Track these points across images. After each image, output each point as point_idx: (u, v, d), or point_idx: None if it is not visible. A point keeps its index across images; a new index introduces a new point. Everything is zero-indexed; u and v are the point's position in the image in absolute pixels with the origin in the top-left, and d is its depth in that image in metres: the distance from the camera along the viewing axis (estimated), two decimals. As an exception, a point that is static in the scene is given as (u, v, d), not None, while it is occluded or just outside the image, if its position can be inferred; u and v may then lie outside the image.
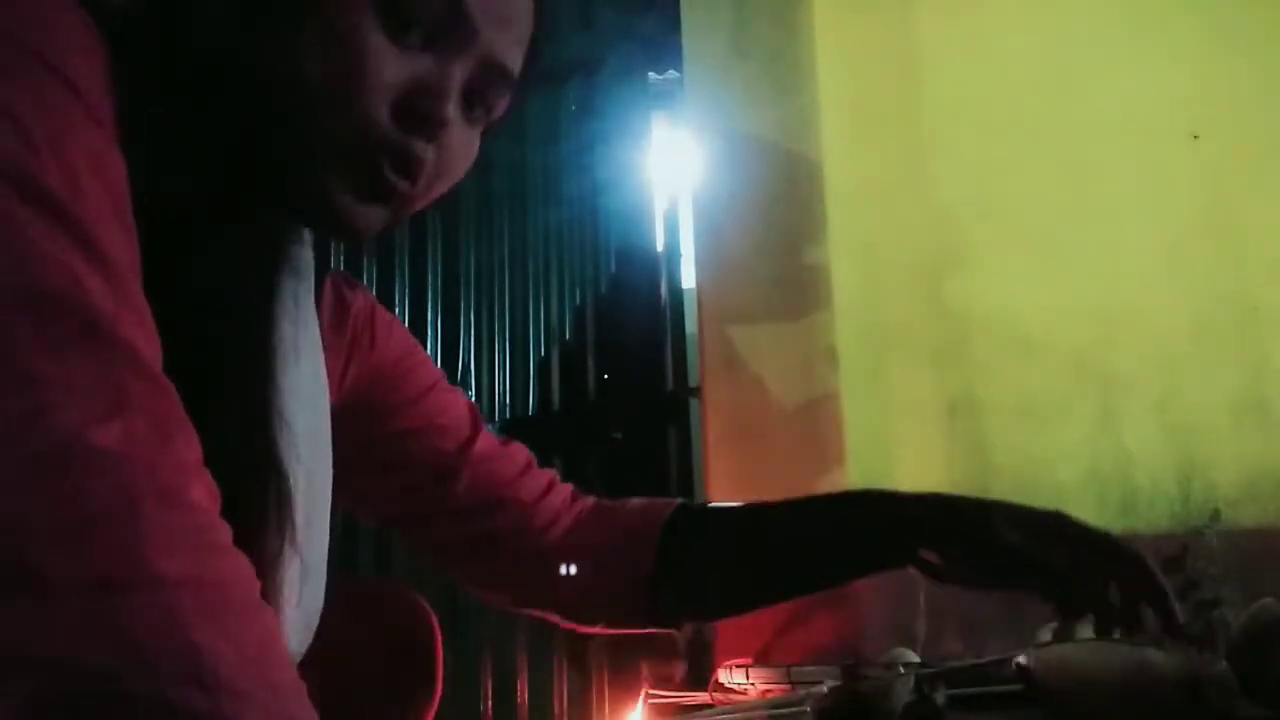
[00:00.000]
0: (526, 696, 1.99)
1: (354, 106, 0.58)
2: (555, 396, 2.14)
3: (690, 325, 2.05)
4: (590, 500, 0.92)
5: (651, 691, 1.37)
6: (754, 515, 0.90)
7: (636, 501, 0.92)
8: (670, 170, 2.19)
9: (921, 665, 1.12)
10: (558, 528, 0.89)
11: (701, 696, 1.27)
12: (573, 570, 0.87)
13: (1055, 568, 0.80)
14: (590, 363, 2.13)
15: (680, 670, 1.81)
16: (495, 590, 0.92)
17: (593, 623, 0.92)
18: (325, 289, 0.80)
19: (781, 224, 1.80)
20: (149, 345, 0.48)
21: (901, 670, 1.04)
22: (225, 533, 0.47)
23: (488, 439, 0.90)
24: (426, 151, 0.61)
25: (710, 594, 0.90)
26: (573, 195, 2.19)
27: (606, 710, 1.90)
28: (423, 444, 0.87)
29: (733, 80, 1.86)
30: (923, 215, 1.85)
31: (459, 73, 0.62)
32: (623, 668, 1.93)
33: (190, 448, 0.48)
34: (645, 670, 1.83)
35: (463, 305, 2.26)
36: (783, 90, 1.84)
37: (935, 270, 1.83)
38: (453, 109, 0.62)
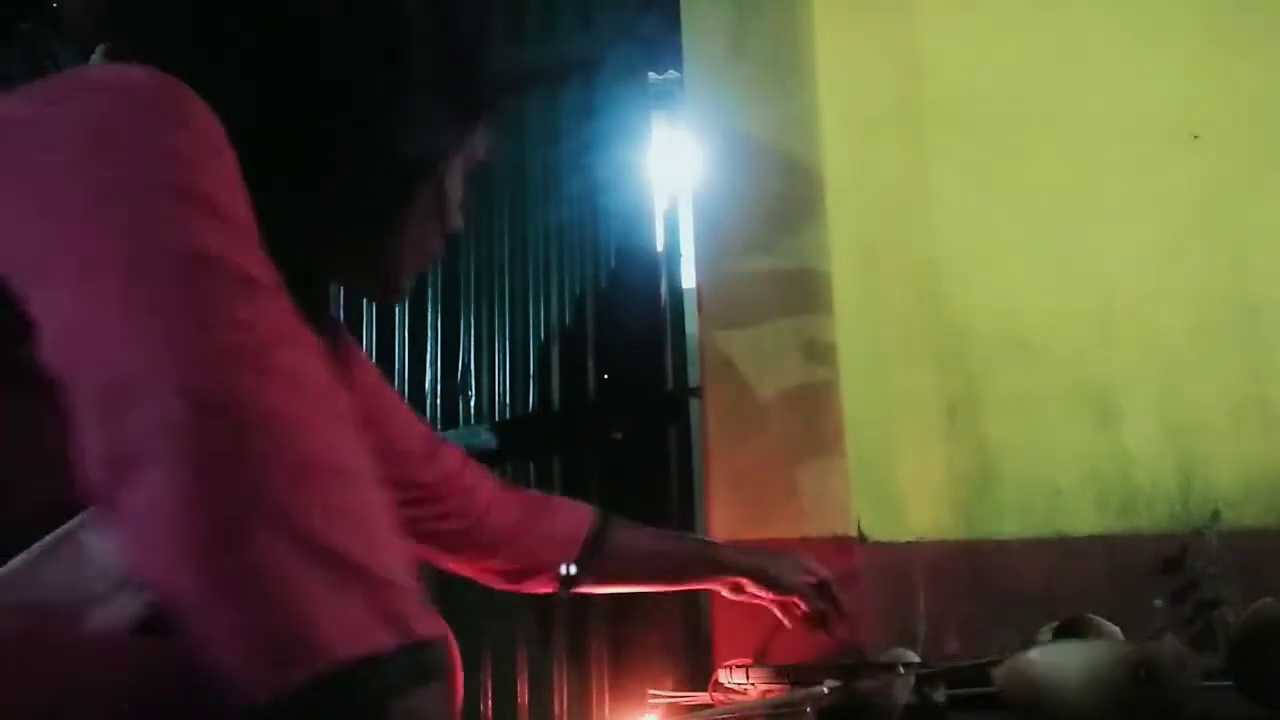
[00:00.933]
0: (526, 696, 1.99)
1: (439, 242, 0.83)
2: (555, 396, 2.14)
3: (690, 325, 2.05)
4: (507, 488, 1.18)
5: (651, 691, 1.37)
6: (648, 549, 1.27)
7: (557, 501, 1.24)
8: (670, 170, 2.19)
9: (921, 665, 1.12)
10: (491, 517, 1.13)
11: (701, 696, 1.27)
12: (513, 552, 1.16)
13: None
14: (590, 363, 2.13)
15: (680, 670, 1.81)
16: (441, 559, 1.15)
17: (519, 589, 1.22)
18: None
19: (781, 224, 1.79)
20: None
21: (901, 670, 1.04)
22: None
23: (444, 452, 1.10)
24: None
25: (601, 584, 1.25)
26: (573, 195, 2.18)
27: (606, 710, 1.90)
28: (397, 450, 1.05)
29: (733, 80, 1.85)
30: (922, 214, 1.85)
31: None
32: (623, 668, 1.93)
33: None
34: (645, 670, 1.83)
35: (463, 305, 2.26)
36: (782, 90, 1.84)
37: (935, 270, 1.83)
38: None
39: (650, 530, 1.28)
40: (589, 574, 1.20)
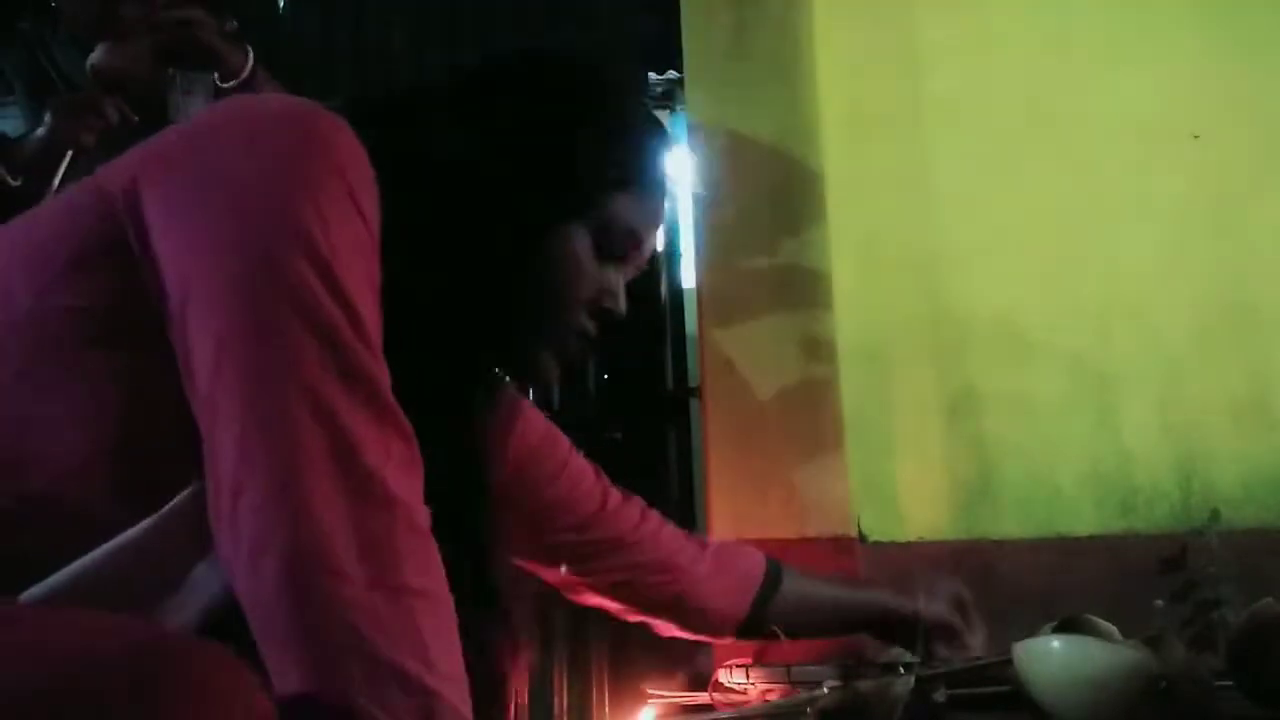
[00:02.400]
0: (527, 697, 1.99)
1: (571, 309, 0.84)
2: (555, 396, 2.14)
3: (690, 325, 2.05)
4: (680, 534, 1.18)
5: (651, 691, 1.37)
6: (821, 597, 1.23)
7: (725, 546, 1.22)
8: (670, 170, 2.18)
9: (921, 665, 1.12)
10: (677, 570, 1.14)
11: (701, 696, 1.27)
12: (697, 604, 1.15)
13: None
14: (590, 363, 2.13)
15: (680, 670, 1.81)
16: (624, 611, 1.17)
17: (698, 634, 1.20)
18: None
19: (781, 223, 1.79)
20: (398, 402, 0.66)
21: (901, 670, 1.04)
22: (438, 554, 0.65)
23: (613, 497, 1.12)
24: (593, 330, 0.86)
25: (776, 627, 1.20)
26: (573, 195, 2.18)
27: (606, 710, 1.90)
28: (561, 514, 1.08)
29: (733, 80, 1.85)
30: (923, 215, 1.85)
31: (631, 273, 0.89)
32: (623, 668, 1.93)
33: (419, 485, 0.65)
34: (645, 670, 1.82)
35: (463, 305, 2.25)
36: (783, 90, 1.84)
37: (935, 269, 1.83)
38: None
39: (823, 579, 1.24)
40: (759, 623, 1.17)
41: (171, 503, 0.64)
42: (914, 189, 1.86)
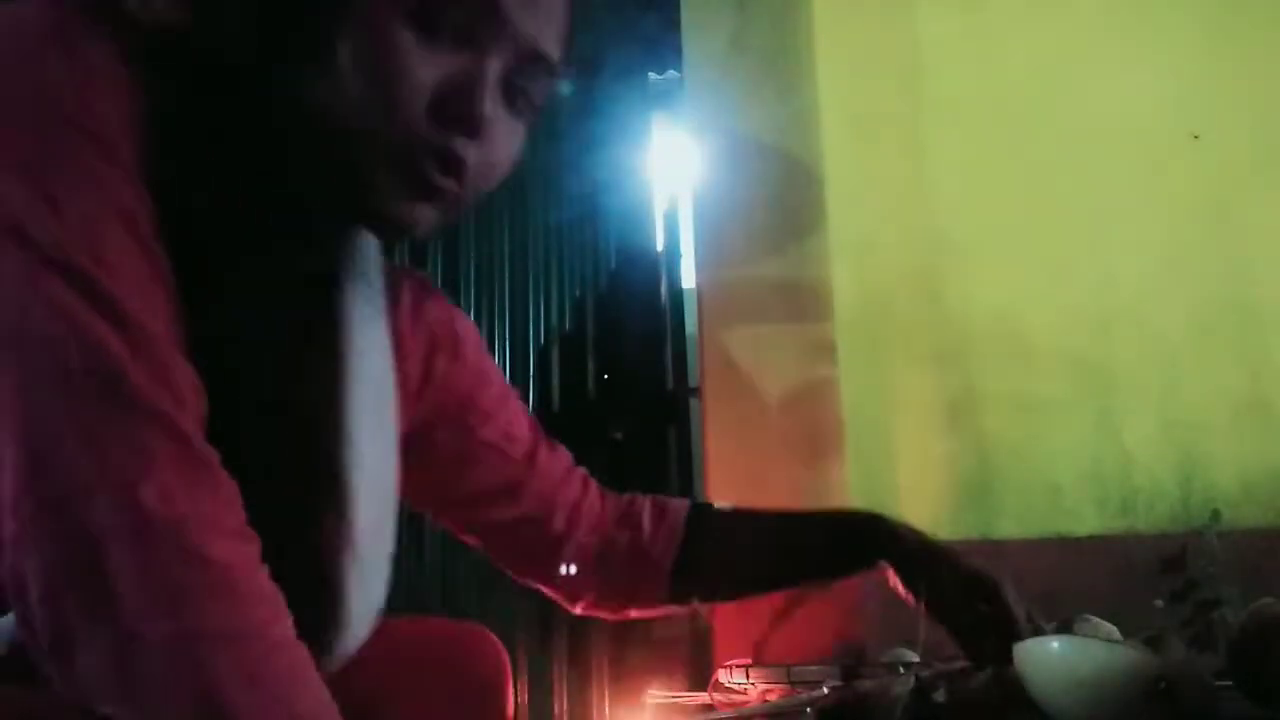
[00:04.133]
0: (526, 696, 1.99)
1: (393, 113, 0.60)
2: (555, 396, 2.14)
3: (690, 325, 2.05)
4: (611, 498, 0.99)
5: (651, 691, 1.37)
6: (760, 526, 1.03)
7: (651, 502, 1.01)
8: (670, 170, 2.19)
9: (921, 665, 1.12)
10: (594, 533, 0.96)
11: (701, 696, 1.27)
12: (611, 571, 0.97)
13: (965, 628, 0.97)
14: (590, 363, 2.13)
15: (680, 670, 1.80)
16: (538, 581, 0.99)
17: (621, 609, 1.01)
18: (402, 292, 0.82)
19: (781, 224, 1.79)
20: (177, 404, 0.54)
21: (901, 670, 1.04)
22: (250, 582, 0.54)
23: (545, 446, 0.96)
24: (468, 150, 0.63)
25: (715, 586, 1.01)
26: (573, 195, 2.19)
27: (606, 710, 1.90)
28: (497, 455, 0.92)
29: (733, 80, 1.85)
30: (923, 215, 1.85)
31: (494, 67, 0.63)
32: (623, 668, 1.93)
33: (216, 500, 0.54)
34: (645, 670, 1.82)
35: (463, 305, 2.26)
36: (782, 90, 1.84)
37: (935, 270, 1.83)
38: (490, 104, 0.62)
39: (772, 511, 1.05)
40: (695, 574, 0.98)
41: None
42: (914, 188, 1.86)
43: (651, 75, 2.20)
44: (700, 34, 1.89)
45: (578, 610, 1.01)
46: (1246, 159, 1.87)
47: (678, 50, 1.94)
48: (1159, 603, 1.18)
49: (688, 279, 2.09)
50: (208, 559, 0.52)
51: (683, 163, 2.07)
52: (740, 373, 1.74)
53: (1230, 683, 0.91)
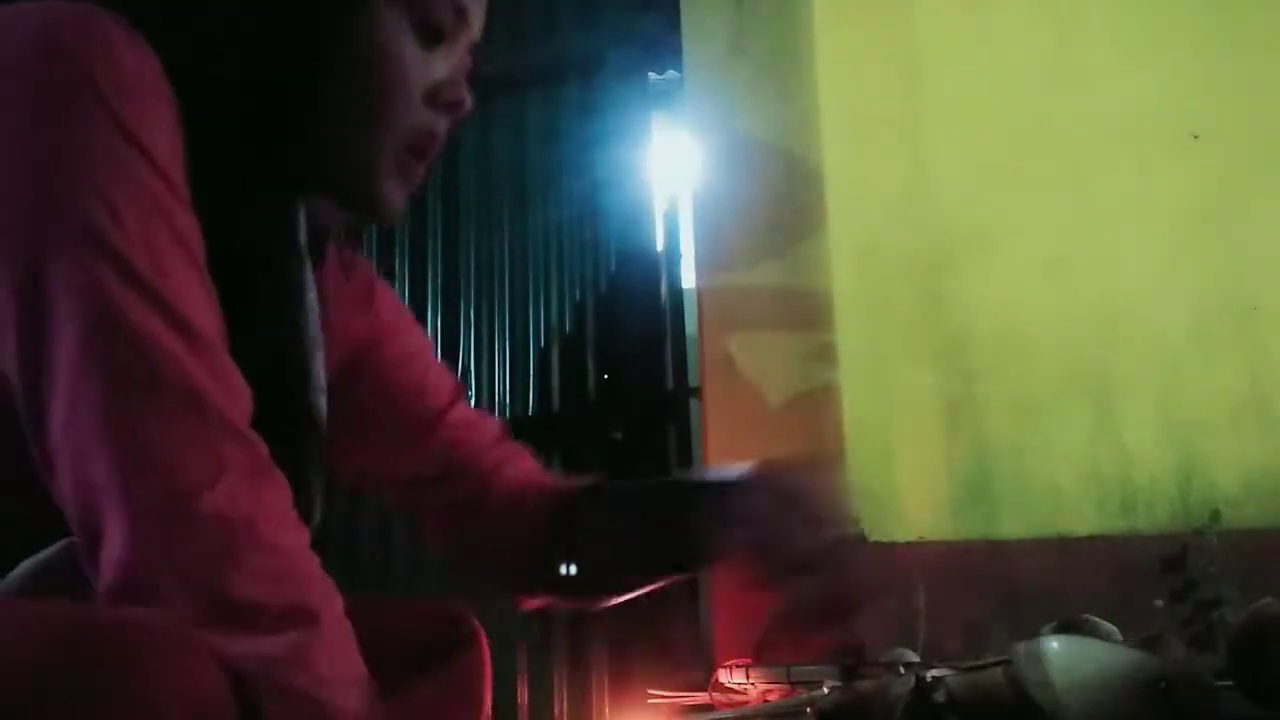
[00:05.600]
0: (526, 696, 1.99)
1: (403, 115, 0.70)
2: (555, 396, 2.14)
3: (690, 325, 2.05)
4: (544, 479, 0.94)
5: (651, 692, 1.37)
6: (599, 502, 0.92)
7: (557, 482, 0.94)
8: (670, 170, 2.19)
9: (921, 665, 1.12)
10: (505, 502, 0.91)
11: (701, 696, 1.27)
12: (499, 542, 0.91)
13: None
14: (590, 363, 2.13)
15: (680, 670, 1.81)
16: (455, 555, 0.96)
17: (517, 592, 0.96)
18: (328, 252, 0.84)
19: (781, 224, 1.80)
20: (236, 407, 0.58)
21: (901, 670, 1.04)
22: (315, 565, 0.58)
23: (466, 408, 0.93)
24: (442, 128, 0.72)
25: (586, 577, 0.91)
26: (573, 195, 2.19)
27: (606, 710, 1.90)
28: (407, 401, 0.90)
29: (733, 80, 1.86)
30: (923, 215, 1.85)
31: (461, 56, 0.73)
32: (623, 668, 1.93)
33: (278, 492, 0.59)
34: (645, 670, 1.82)
35: (463, 305, 2.26)
36: (782, 90, 1.84)
37: (935, 270, 1.83)
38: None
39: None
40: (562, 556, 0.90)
41: (39, 557, 0.59)
42: (914, 189, 1.86)
43: (651, 75, 2.20)
44: (700, 34, 1.89)
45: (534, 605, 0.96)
46: (1246, 159, 1.87)
47: (678, 50, 1.95)
48: (1159, 603, 1.18)
49: (688, 279, 2.09)
50: (279, 547, 0.57)
51: (683, 163, 2.07)
52: (740, 373, 1.74)
53: (1230, 683, 0.91)
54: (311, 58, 0.67)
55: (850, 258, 1.80)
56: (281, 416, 0.65)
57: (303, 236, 0.74)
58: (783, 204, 1.80)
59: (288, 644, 0.54)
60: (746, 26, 1.86)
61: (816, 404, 1.72)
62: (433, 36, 0.70)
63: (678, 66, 2.01)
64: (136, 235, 0.56)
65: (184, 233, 0.59)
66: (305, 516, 0.63)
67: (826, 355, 1.73)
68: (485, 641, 0.94)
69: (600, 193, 2.16)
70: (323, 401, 0.75)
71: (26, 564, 0.59)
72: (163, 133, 0.59)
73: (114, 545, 0.54)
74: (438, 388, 0.92)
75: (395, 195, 0.72)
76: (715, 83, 1.87)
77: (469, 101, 0.72)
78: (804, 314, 1.76)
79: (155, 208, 0.57)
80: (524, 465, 0.94)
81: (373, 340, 0.90)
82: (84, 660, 0.47)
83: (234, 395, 0.59)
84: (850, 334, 1.76)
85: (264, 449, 0.59)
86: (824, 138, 1.81)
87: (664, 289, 2.10)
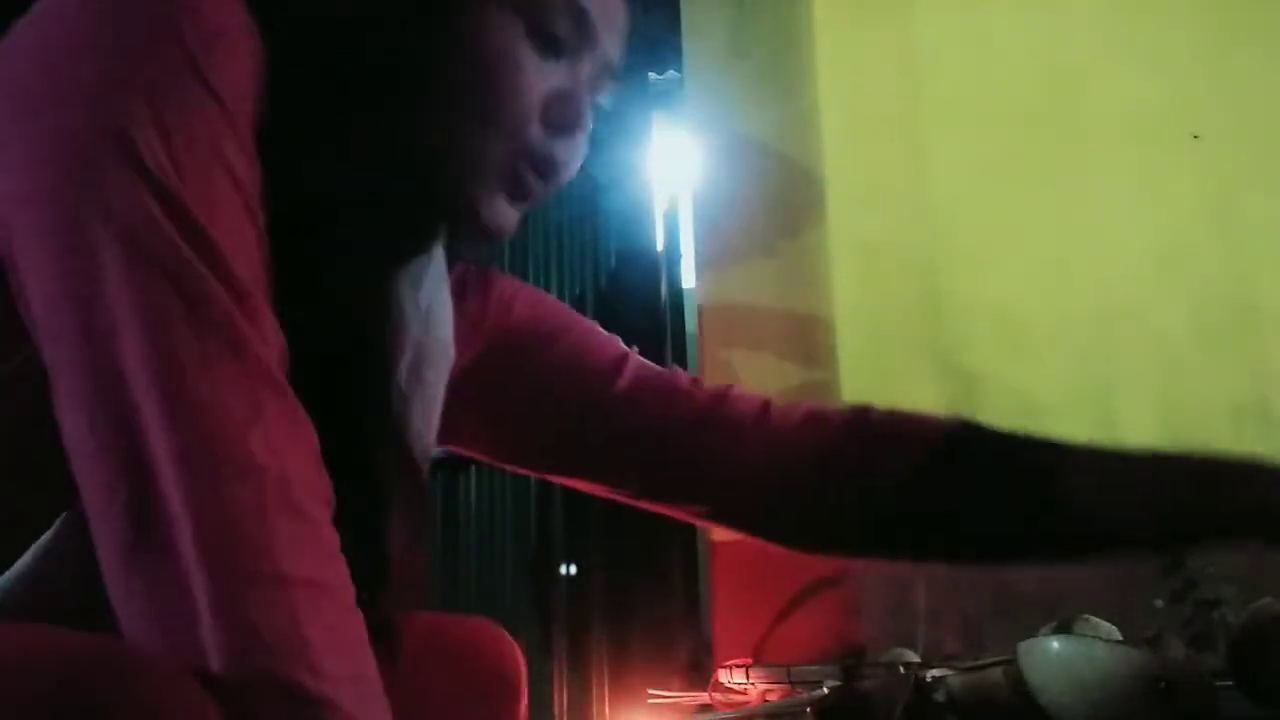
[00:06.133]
0: (526, 697, 1.99)
1: (512, 123, 0.64)
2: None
3: (690, 325, 2.05)
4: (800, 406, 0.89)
5: (651, 692, 1.37)
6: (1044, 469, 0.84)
7: (875, 414, 0.89)
8: (670, 170, 2.19)
9: (921, 665, 1.12)
10: (760, 430, 0.87)
11: (702, 696, 1.27)
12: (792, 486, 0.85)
13: None
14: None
15: (680, 670, 1.81)
16: (680, 502, 0.89)
17: (793, 544, 0.89)
18: (464, 274, 0.82)
19: (781, 224, 1.80)
20: (274, 357, 0.56)
21: (901, 670, 1.04)
22: (335, 540, 0.55)
23: (641, 361, 0.90)
24: (564, 152, 0.68)
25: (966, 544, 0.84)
26: (573, 195, 2.19)
27: (607, 710, 1.90)
28: (576, 365, 0.89)
29: (733, 80, 1.86)
30: (923, 215, 1.85)
31: (585, 75, 0.69)
32: (623, 668, 1.93)
33: (309, 452, 0.55)
34: (645, 670, 1.82)
35: (463, 305, 2.25)
36: (782, 90, 1.84)
37: (935, 270, 1.83)
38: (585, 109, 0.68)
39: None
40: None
41: (43, 538, 0.57)
42: (913, 188, 1.86)
43: (651, 75, 2.20)
44: (700, 34, 1.89)
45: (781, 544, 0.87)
46: (1246, 159, 1.87)
47: (678, 50, 1.95)
48: (1159, 603, 1.18)
49: (688, 279, 2.09)
50: (304, 513, 0.53)
51: (683, 163, 2.07)
52: (740, 373, 1.74)
53: (1230, 683, 0.91)
54: (416, 37, 0.62)
55: (850, 258, 1.80)
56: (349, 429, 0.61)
57: (421, 257, 0.70)
58: (783, 204, 1.80)
59: (288, 621, 0.50)
60: (747, 27, 1.86)
61: (816, 404, 1.71)
62: (551, 46, 0.65)
63: (678, 66, 2.01)
64: (192, 175, 0.54)
65: (243, 181, 0.56)
66: (375, 577, 0.60)
67: (826, 355, 1.73)
68: (521, 658, 0.94)
69: (600, 193, 2.16)
70: (416, 420, 0.70)
71: (33, 548, 0.57)
72: (239, 82, 0.56)
73: (144, 483, 0.51)
74: (606, 348, 0.91)
75: (501, 214, 0.66)
76: (715, 83, 1.87)
77: (584, 120, 0.68)
78: (804, 314, 1.76)
79: (216, 152, 0.55)
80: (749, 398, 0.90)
81: (516, 329, 0.87)
82: (80, 691, 0.46)
83: (268, 342, 0.56)
84: (850, 333, 1.76)
85: (295, 399, 0.56)
86: (824, 138, 1.81)
87: (664, 289, 2.10)
